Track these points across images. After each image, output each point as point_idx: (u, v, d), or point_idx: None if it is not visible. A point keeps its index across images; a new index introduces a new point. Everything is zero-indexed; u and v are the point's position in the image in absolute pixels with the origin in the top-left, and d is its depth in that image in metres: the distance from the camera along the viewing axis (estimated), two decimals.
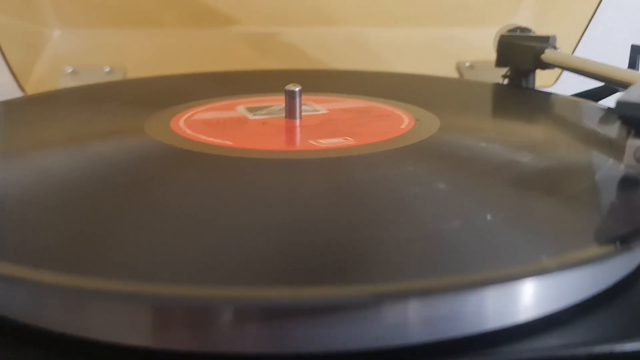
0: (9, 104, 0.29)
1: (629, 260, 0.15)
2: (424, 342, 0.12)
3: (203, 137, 0.22)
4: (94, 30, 0.44)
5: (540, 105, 0.31)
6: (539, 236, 0.15)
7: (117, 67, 0.42)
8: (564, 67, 0.31)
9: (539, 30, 0.41)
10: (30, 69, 0.42)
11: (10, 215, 0.16)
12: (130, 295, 0.12)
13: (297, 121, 0.25)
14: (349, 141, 0.22)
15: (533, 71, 0.35)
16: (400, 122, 0.25)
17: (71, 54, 0.43)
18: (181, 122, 0.24)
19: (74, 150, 0.21)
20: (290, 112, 0.25)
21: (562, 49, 0.35)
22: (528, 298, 0.13)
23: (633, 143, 0.17)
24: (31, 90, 0.41)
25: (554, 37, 0.35)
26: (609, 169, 0.19)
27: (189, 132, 0.23)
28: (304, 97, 0.25)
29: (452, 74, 0.47)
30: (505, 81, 0.37)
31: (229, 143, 0.21)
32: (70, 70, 0.42)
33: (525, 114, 0.29)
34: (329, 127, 0.24)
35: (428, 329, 0.12)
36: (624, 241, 0.14)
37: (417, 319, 0.12)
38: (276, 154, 0.21)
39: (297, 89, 0.25)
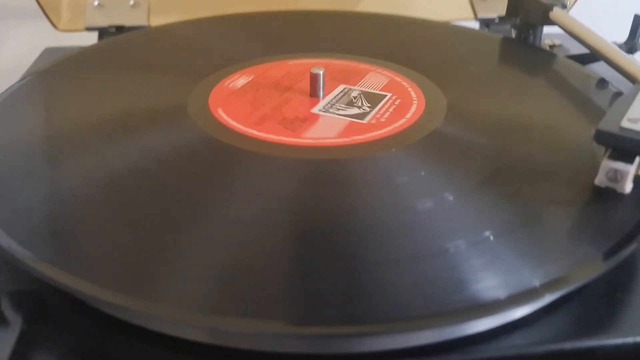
0: (43, 75, 0.31)
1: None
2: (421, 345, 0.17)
3: (242, 127, 0.25)
4: None
5: (540, 70, 0.33)
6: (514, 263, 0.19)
7: (142, 2, 0.44)
8: (567, 31, 0.33)
9: None
10: (57, 2, 0.43)
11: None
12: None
13: (320, 100, 0.28)
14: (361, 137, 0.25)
15: (540, 26, 0.36)
16: (408, 104, 0.28)
17: None
18: (218, 105, 0.27)
19: (121, 143, 0.25)
20: (313, 92, 0.28)
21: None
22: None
23: (607, 164, 0.21)
24: (64, 24, 0.43)
25: None
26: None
27: (228, 118, 0.26)
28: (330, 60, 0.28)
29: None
30: (513, 32, 0.38)
31: (261, 135, 0.25)
32: (96, 4, 0.44)
33: (523, 83, 0.32)
34: (348, 109, 0.27)
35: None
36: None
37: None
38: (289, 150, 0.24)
39: (320, 72, 0.28)
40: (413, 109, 0.27)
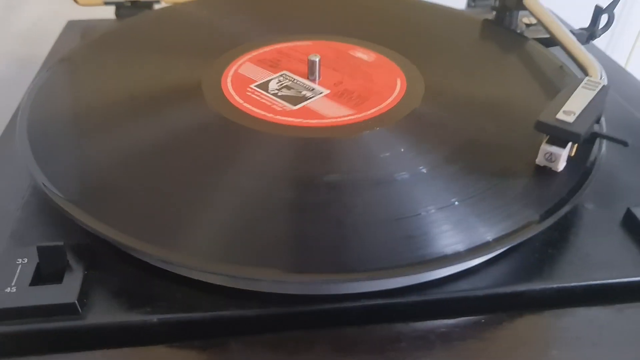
0: (65, 61, 0.36)
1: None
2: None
3: (240, 102, 0.30)
4: None
5: (510, 53, 0.37)
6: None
7: None
8: (536, 18, 0.37)
9: None
10: None
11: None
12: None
13: (317, 82, 0.32)
14: (352, 115, 0.30)
15: (516, 10, 0.40)
16: (393, 86, 0.32)
17: None
18: (228, 81, 0.32)
19: (146, 122, 0.30)
20: (311, 74, 0.33)
21: None
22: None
23: (545, 148, 0.26)
24: (83, 1, 0.47)
25: None
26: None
27: (237, 98, 0.31)
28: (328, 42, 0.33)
29: None
30: (493, 13, 0.42)
31: (268, 115, 0.29)
32: None
33: (494, 65, 0.36)
34: (340, 96, 0.32)
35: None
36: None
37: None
38: (290, 129, 0.28)
39: (317, 59, 0.32)
40: (396, 92, 0.32)
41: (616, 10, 0.36)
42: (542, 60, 0.36)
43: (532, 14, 0.38)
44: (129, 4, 0.46)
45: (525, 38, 0.39)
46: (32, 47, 0.63)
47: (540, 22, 0.37)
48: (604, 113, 0.28)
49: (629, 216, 0.26)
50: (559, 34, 0.34)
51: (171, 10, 0.42)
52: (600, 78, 0.29)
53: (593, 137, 0.25)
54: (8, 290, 0.22)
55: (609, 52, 0.48)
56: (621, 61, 0.73)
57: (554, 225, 0.25)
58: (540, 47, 0.37)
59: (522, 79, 0.34)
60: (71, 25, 0.47)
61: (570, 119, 0.25)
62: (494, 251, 0.23)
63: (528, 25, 0.43)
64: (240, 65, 0.34)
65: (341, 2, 0.44)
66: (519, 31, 0.41)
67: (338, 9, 0.43)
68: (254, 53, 0.35)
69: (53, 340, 0.21)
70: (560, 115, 0.25)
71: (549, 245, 0.26)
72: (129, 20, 0.41)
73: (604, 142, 0.28)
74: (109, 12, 0.48)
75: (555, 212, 0.25)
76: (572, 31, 0.36)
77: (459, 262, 0.23)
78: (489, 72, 0.35)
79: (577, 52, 0.32)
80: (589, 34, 0.36)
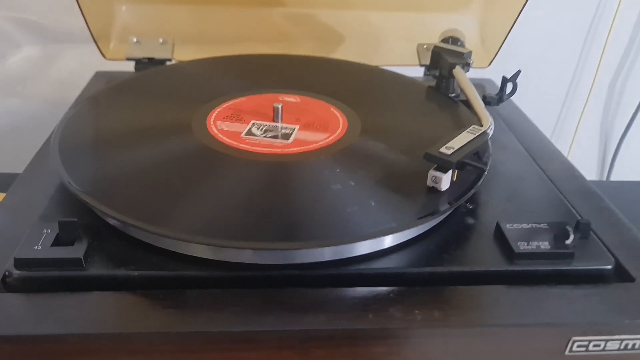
0: (91, 99, 0.46)
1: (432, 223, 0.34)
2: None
3: (221, 137, 0.40)
4: (152, 6, 0.60)
5: (434, 107, 0.47)
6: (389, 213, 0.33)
7: (169, 40, 0.59)
8: (459, 85, 0.47)
9: (484, 12, 0.57)
10: (107, 37, 0.59)
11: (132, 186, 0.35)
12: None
13: (279, 124, 0.42)
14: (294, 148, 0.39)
15: (449, 77, 0.50)
16: (336, 128, 0.42)
17: (135, 25, 0.60)
18: (212, 121, 0.42)
19: (158, 146, 0.40)
20: (276, 118, 0.43)
21: (500, 28, 0.52)
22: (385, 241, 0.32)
23: (431, 172, 0.35)
24: (110, 54, 0.58)
25: (468, 53, 0.50)
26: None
27: (214, 131, 0.41)
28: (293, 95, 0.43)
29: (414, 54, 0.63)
30: (434, 81, 0.53)
31: (237, 145, 0.39)
32: (135, 40, 0.59)
33: (420, 114, 0.46)
34: (309, 127, 0.42)
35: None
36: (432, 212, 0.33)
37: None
38: (254, 156, 0.38)
39: (279, 106, 0.42)
40: (339, 130, 0.42)
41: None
42: (458, 114, 0.46)
43: (458, 81, 0.48)
44: (147, 60, 0.58)
45: (451, 99, 0.49)
46: (63, 91, 0.75)
47: (460, 88, 0.47)
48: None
49: (498, 229, 0.35)
50: (470, 96, 0.44)
51: (175, 66, 0.54)
52: (489, 128, 0.39)
53: (462, 165, 0.35)
54: (36, 247, 0.31)
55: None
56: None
57: (443, 233, 0.34)
58: (460, 106, 0.47)
59: (438, 126, 0.44)
60: (98, 75, 0.59)
61: (449, 152, 0.34)
62: (397, 232, 0.33)
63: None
64: (218, 117, 0.44)
65: (315, 65, 0.55)
66: (454, 95, 0.51)
67: (310, 71, 0.54)
68: (225, 106, 0.45)
69: (64, 284, 0.30)
70: (443, 149, 0.35)
71: (441, 246, 0.34)
72: (143, 73, 0.52)
73: (485, 173, 0.37)
74: (130, 66, 0.59)
75: (436, 214, 0.34)
76: (484, 95, 0.46)
77: (369, 239, 0.32)
78: (416, 120, 0.45)
79: (477, 109, 0.42)
80: (498, 98, 0.46)
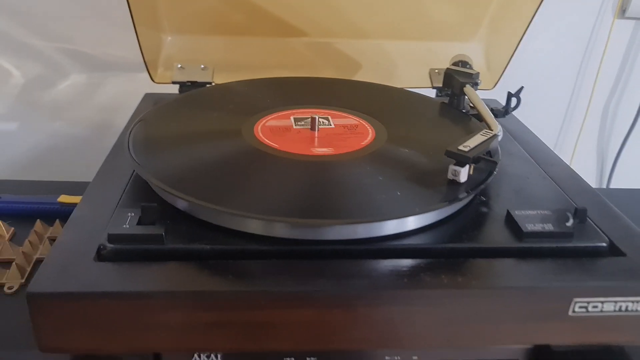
0: (163, 109, 0.54)
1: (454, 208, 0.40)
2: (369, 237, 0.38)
3: (267, 141, 0.47)
4: (194, 37, 0.68)
5: (448, 121, 0.54)
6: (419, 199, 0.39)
7: (209, 66, 0.66)
8: (470, 100, 0.54)
9: (488, 41, 0.64)
10: (155, 63, 0.66)
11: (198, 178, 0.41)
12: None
13: (316, 132, 0.49)
14: (332, 151, 0.46)
15: (460, 95, 0.57)
16: (366, 136, 0.49)
17: (179, 53, 0.67)
18: (259, 129, 0.49)
19: (215, 146, 0.46)
20: (312, 127, 0.49)
21: (503, 54, 0.59)
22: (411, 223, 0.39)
23: (451, 167, 0.41)
24: (158, 78, 0.66)
25: (477, 74, 0.57)
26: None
27: (262, 137, 0.47)
28: (326, 110, 0.50)
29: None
30: (447, 98, 0.60)
31: (276, 146, 0.46)
32: (179, 66, 0.66)
33: (437, 125, 0.53)
34: (328, 139, 0.48)
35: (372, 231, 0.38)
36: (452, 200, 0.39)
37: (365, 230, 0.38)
38: (298, 156, 0.45)
39: (316, 117, 0.49)
40: (369, 137, 0.48)
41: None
42: (469, 125, 0.52)
43: (469, 98, 0.55)
44: (190, 84, 0.65)
45: (463, 113, 0.56)
46: (105, 115, 0.83)
47: (471, 103, 0.54)
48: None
49: (508, 215, 0.41)
50: (481, 109, 0.51)
51: (224, 85, 0.61)
52: (498, 132, 0.46)
53: (478, 159, 0.41)
54: (125, 226, 0.37)
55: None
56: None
57: (462, 219, 0.40)
58: (471, 119, 0.54)
59: (452, 134, 0.50)
60: (147, 96, 0.66)
61: (466, 149, 0.41)
62: (422, 214, 0.39)
63: (472, 107, 0.60)
64: (263, 126, 0.51)
65: (341, 85, 0.62)
66: (464, 110, 0.58)
67: (339, 91, 0.61)
68: (268, 118, 0.52)
69: (146, 256, 0.36)
70: (461, 147, 0.41)
71: (460, 228, 0.40)
72: (199, 90, 0.59)
73: (497, 168, 0.43)
74: (174, 89, 0.66)
75: (457, 201, 0.40)
76: (492, 109, 0.53)
77: (395, 218, 0.38)
78: (435, 130, 0.52)
79: (487, 118, 0.48)
80: (504, 110, 0.53)
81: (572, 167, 0.87)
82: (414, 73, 0.72)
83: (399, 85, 0.67)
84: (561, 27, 0.81)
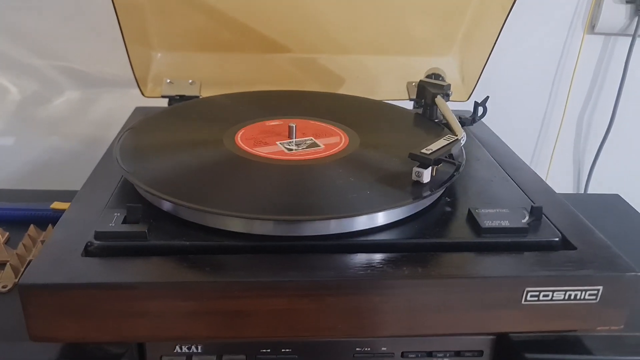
0: (151, 120, 0.57)
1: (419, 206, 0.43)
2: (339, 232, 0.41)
3: (245, 148, 0.50)
4: (182, 53, 0.71)
5: (420, 128, 0.58)
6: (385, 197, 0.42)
7: (197, 81, 0.70)
8: (440, 110, 0.58)
9: (462, 56, 0.67)
10: (145, 79, 0.70)
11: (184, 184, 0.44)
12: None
13: (293, 139, 0.52)
14: (306, 155, 0.49)
15: (432, 105, 0.61)
16: (339, 142, 0.52)
17: (169, 69, 0.71)
18: (239, 138, 0.52)
19: (197, 153, 0.50)
20: (289, 135, 0.53)
21: (475, 68, 0.62)
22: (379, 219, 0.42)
23: (414, 168, 0.45)
24: (148, 93, 0.69)
25: (447, 86, 0.61)
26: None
27: (243, 145, 0.51)
28: (303, 120, 0.53)
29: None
30: (420, 108, 0.63)
31: (253, 152, 0.49)
32: (168, 81, 0.70)
33: (406, 132, 0.56)
34: (304, 145, 0.51)
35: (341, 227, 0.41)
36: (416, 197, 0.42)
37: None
38: (274, 161, 0.48)
39: (293, 125, 0.52)
40: (342, 144, 0.52)
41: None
42: (439, 133, 0.55)
43: (439, 108, 0.58)
44: (178, 97, 0.68)
45: (435, 122, 0.59)
46: (99, 130, 0.86)
47: (441, 112, 0.57)
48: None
49: (469, 213, 0.44)
50: (448, 117, 0.54)
51: (209, 99, 0.64)
52: (462, 137, 0.49)
53: (439, 161, 0.44)
54: (111, 224, 0.40)
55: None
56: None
57: (427, 217, 0.44)
58: (442, 128, 0.57)
59: (423, 141, 0.53)
60: (137, 110, 0.69)
61: (428, 152, 0.44)
62: (389, 210, 0.42)
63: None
64: (243, 134, 0.54)
65: (321, 98, 0.66)
66: (436, 120, 0.61)
67: (317, 103, 0.64)
68: (249, 127, 0.56)
69: (131, 251, 0.39)
70: (423, 150, 0.44)
71: (424, 226, 0.44)
72: (186, 102, 0.63)
73: (459, 169, 0.47)
74: (164, 102, 0.70)
75: (420, 199, 0.43)
76: (460, 117, 0.56)
77: (364, 214, 0.41)
78: (406, 138, 0.55)
79: (453, 125, 0.52)
80: (472, 119, 0.56)
81: (550, 175, 0.92)
82: (394, 86, 0.76)
83: (379, 98, 0.71)
84: (534, 42, 0.85)
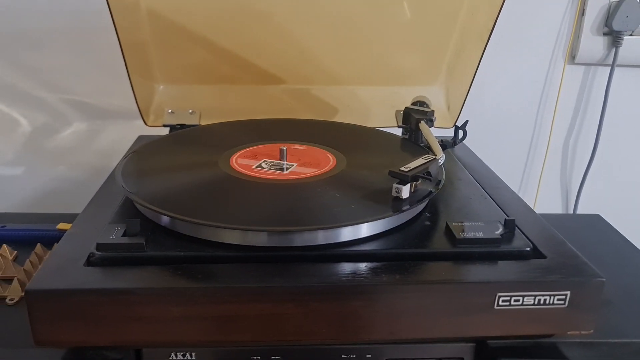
0: (152, 144, 0.61)
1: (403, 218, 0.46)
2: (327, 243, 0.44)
3: (239, 168, 0.53)
4: (183, 85, 0.76)
5: (404, 151, 0.61)
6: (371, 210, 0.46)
7: (197, 111, 0.74)
8: (423, 133, 0.61)
9: (447, 85, 0.71)
10: (148, 109, 0.74)
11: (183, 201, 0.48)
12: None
13: (284, 162, 0.56)
14: (295, 175, 0.53)
15: (416, 130, 0.65)
16: (327, 163, 0.56)
17: (170, 100, 0.75)
18: (234, 160, 0.56)
19: (193, 173, 0.53)
20: (280, 157, 0.56)
21: (459, 96, 0.66)
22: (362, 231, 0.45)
23: (394, 185, 0.48)
24: (150, 122, 0.73)
25: (431, 112, 0.65)
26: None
27: (237, 166, 0.54)
28: (294, 145, 0.57)
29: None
30: (407, 133, 0.67)
31: (252, 174, 0.53)
32: (170, 111, 0.74)
33: (390, 155, 0.60)
34: (304, 165, 0.55)
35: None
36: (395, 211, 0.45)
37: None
38: (265, 180, 0.52)
39: (284, 148, 0.56)
40: (330, 164, 0.55)
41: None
42: (422, 154, 0.59)
43: (423, 133, 0.62)
44: (179, 126, 0.73)
45: (419, 145, 0.63)
46: (104, 159, 0.90)
47: (424, 136, 0.61)
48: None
49: (447, 226, 0.47)
50: (430, 140, 0.58)
51: (203, 127, 0.68)
52: (440, 157, 0.52)
53: (416, 178, 0.47)
54: (111, 237, 0.43)
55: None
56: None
57: (407, 231, 0.47)
58: (426, 151, 0.61)
59: (406, 161, 0.57)
60: (140, 138, 0.73)
61: (406, 170, 0.47)
62: (370, 222, 0.45)
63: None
64: (238, 157, 0.58)
65: (312, 125, 0.70)
66: (421, 144, 0.65)
67: (308, 129, 0.68)
68: (243, 151, 0.60)
69: (129, 261, 0.42)
70: (402, 168, 0.48)
71: (404, 237, 0.46)
72: (184, 130, 0.67)
73: (439, 185, 0.50)
74: (165, 131, 0.74)
75: (399, 212, 0.46)
76: (442, 140, 0.60)
77: (352, 225, 0.44)
78: (390, 160, 0.59)
79: (433, 146, 0.55)
80: (453, 142, 0.60)
81: (538, 198, 0.95)
82: (384, 114, 0.80)
83: (370, 126, 0.75)
84: (519, 72, 0.89)
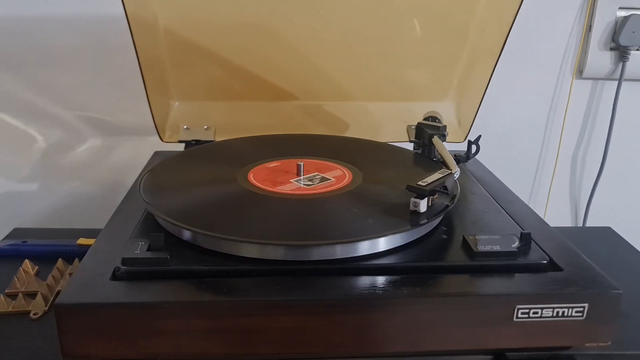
0: (169, 161, 0.62)
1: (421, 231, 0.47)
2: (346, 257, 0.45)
3: (257, 184, 0.54)
4: (198, 102, 0.77)
5: (418, 166, 0.62)
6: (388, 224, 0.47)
7: (212, 127, 0.76)
8: (436, 148, 0.62)
9: (458, 100, 0.73)
10: (164, 126, 0.75)
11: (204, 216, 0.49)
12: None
13: (301, 176, 0.57)
14: (313, 190, 0.54)
15: (430, 145, 0.66)
16: (343, 179, 0.57)
17: (186, 116, 0.77)
18: (251, 176, 0.57)
19: (212, 188, 0.54)
20: (297, 172, 0.57)
21: (470, 111, 0.67)
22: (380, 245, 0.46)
23: (412, 199, 0.49)
24: (166, 138, 0.74)
25: (443, 127, 0.66)
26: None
27: (254, 181, 0.55)
28: (310, 160, 0.58)
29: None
30: (419, 148, 0.68)
31: (269, 189, 0.54)
32: (185, 127, 0.75)
33: (404, 169, 0.61)
34: (311, 182, 0.56)
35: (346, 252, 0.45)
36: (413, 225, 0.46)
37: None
38: (283, 195, 0.53)
39: (301, 164, 0.57)
40: (346, 180, 0.56)
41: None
42: (436, 170, 0.60)
43: (436, 148, 0.63)
44: (194, 142, 0.74)
45: (432, 160, 0.64)
46: (119, 175, 0.91)
47: (438, 151, 0.62)
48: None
49: (464, 239, 0.48)
50: (444, 154, 0.59)
51: (222, 142, 0.70)
52: (455, 172, 0.53)
53: (434, 192, 0.48)
54: (136, 252, 0.44)
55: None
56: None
57: (425, 244, 0.47)
58: (439, 166, 0.62)
59: (420, 177, 0.58)
60: (156, 154, 0.75)
61: (424, 184, 0.48)
62: (388, 235, 0.46)
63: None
64: (255, 172, 0.59)
65: (329, 140, 0.71)
66: (434, 159, 0.66)
67: (323, 145, 0.69)
68: (261, 166, 0.61)
69: (154, 276, 0.43)
70: (420, 183, 0.49)
71: (422, 251, 0.47)
72: (203, 145, 0.68)
73: (455, 199, 0.51)
74: (181, 147, 0.75)
75: (417, 226, 0.47)
76: (455, 155, 0.61)
77: (370, 239, 0.45)
78: (404, 174, 0.59)
79: (448, 161, 0.56)
80: (466, 156, 0.61)
81: (548, 211, 0.95)
82: (395, 129, 0.81)
83: (382, 141, 0.76)
84: (527, 87, 0.90)
